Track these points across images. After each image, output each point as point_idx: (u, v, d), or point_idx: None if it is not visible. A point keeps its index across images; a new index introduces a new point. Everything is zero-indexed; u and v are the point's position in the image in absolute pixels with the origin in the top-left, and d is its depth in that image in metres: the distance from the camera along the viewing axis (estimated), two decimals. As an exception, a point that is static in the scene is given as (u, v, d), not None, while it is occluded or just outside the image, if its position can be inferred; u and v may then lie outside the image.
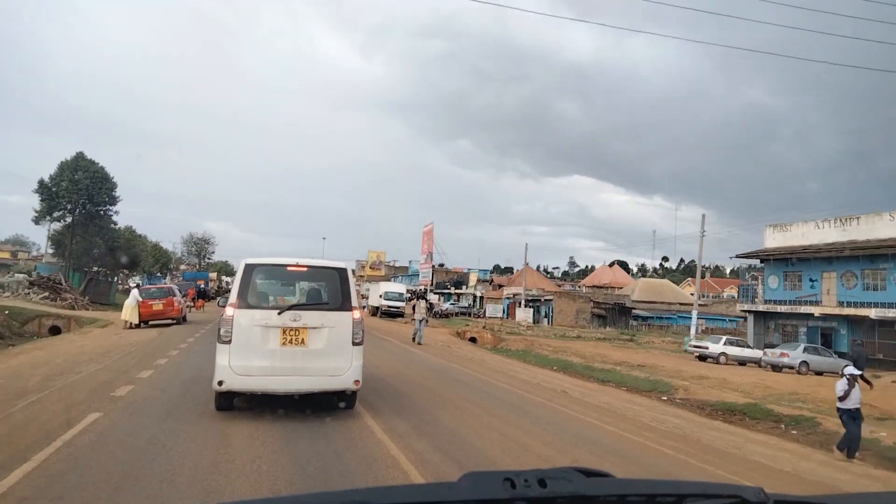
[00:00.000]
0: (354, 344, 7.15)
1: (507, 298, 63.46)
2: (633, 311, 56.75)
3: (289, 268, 7.48)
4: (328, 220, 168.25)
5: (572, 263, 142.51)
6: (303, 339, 6.92)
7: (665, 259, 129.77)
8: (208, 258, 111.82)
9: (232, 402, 7.27)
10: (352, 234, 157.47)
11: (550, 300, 53.90)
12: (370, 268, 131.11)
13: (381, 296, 43.10)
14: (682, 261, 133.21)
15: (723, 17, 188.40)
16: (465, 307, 62.99)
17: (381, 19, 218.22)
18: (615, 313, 55.12)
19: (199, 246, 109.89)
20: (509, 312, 63.18)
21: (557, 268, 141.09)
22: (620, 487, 1.37)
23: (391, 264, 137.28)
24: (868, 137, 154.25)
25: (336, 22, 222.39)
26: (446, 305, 60.49)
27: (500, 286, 71.53)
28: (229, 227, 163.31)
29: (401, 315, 43.06)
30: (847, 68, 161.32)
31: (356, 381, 7.12)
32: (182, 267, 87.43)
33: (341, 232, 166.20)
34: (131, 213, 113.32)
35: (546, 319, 53.66)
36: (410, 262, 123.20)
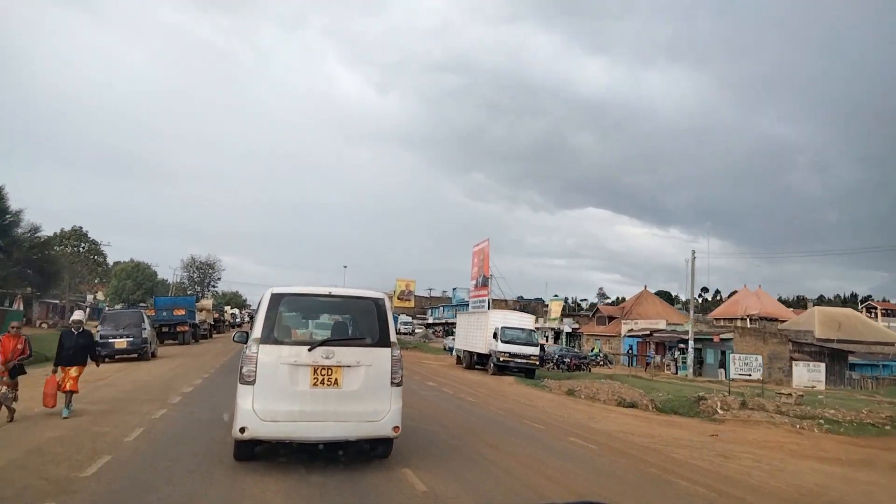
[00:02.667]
0: (393, 385, 6.27)
1: (632, 337, 43.74)
2: (850, 356, 36.55)
3: (320, 298, 6.71)
4: (345, 253, 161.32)
5: (602, 295, 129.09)
6: (336, 380, 6.05)
7: (705, 290, 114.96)
8: (214, 285, 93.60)
9: (253, 451, 6.25)
10: (369, 265, 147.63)
11: (729, 340, 33.98)
12: (398, 298, 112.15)
13: (494, 335, 23.70)
14: (717, 292, 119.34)
15: (735, 48, 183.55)
16: (572, 353, 43.01)
17: (396, 56, 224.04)
18: (826, 360, 35.00)
19: (203, 271, 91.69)
20: (638, 358, 43.23)
21: (585, 300, 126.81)
22: None
23: (428, 294, 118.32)
24: (889, 164, 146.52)
25: (352, 58, 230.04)
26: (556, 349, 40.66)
27: (611, 318, 51.52)
28: (244, 259, 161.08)
29: (531, 371, 23.51)
30: (865, 93, 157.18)
31: (395, 428, 6.22)
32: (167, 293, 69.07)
33: (360, 263, 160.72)
34: (147, 247, 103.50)
35: (722, 370, 33.71)
36: (455, 289, 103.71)
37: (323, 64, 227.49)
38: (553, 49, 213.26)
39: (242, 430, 5.79)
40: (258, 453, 6.33)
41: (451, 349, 50.19)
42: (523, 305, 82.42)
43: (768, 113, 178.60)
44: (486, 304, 77.66)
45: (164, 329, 29.91)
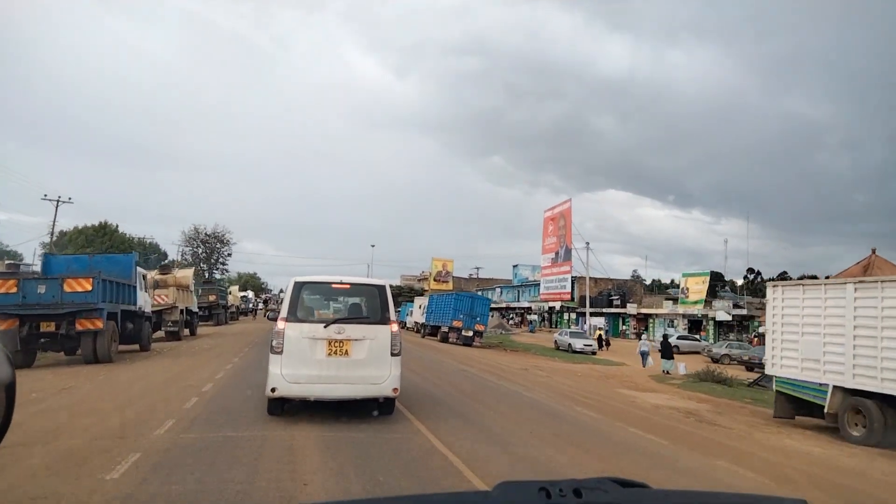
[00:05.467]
0: (393, 355, 7.41)
1: None
2: None
3: (333, 285, 7.98)
4: (364, 237, 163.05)
5: (637, 278, 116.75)
6: (346, 350, 7.27)
7: (750, 271, 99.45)
8: (224, 262, 76.89)
9: (283, 408, 7.52)
10: (390, 250, 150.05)
11: None
12: (434, 280, 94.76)
13: None
14: (758, 273, 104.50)
15: (761, 26, 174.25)
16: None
17: (414, 39, 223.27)
18: None
19: (210, 245, 74.99)
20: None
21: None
22: (657, 499, 1.39)
23: (476, 274, 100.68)
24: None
25: (370, 43, 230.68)
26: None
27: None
28: (267, 247, 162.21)
29: None
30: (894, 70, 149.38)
31: (394, 389, 7.41)
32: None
33: (382, 247, 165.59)
34: (167, 235, 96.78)
35: None
36: (516, 266, 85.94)
37: (341, 49, 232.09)
38: (574, 29, 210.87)
39: (273, 390, 7.07)
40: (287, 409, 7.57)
41: (580, 350, 32.71)
42: (617, 285, 64.49)
43: (794, 92, 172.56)
44: (568, 284, 59.33)
45: (47, 331, 12.57)
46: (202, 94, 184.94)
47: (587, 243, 52.20)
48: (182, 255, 76.03)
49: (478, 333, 31.33)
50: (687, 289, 43.15)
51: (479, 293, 67.53)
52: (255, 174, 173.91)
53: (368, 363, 7.23)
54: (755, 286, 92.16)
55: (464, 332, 30.94)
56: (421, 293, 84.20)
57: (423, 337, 36.04)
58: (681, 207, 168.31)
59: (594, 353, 31.75)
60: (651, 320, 48.47)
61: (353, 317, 7.58)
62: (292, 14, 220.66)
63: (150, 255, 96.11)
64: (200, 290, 31.75)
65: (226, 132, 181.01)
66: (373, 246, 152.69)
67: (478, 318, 31.46)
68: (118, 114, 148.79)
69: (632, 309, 49.88)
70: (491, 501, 1.23)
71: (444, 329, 31.92)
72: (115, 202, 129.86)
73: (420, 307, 39.51)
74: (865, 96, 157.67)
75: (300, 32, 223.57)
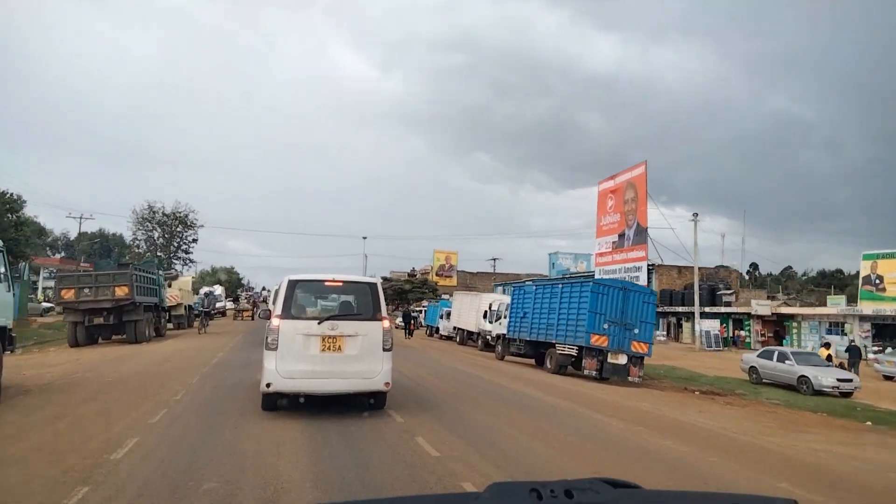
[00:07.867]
0: (384, 350, 7.68)
1: None
2: None
3: (326, 283, 8.23)
4: (352, 234, 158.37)
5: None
6: (339, 346, 7.52)
7: (754, 266, 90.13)
8: (187, 251, 60.79)
9: (276, 403, 7.87)
10: (379, 245, 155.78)
11: None
12: (437, 274, 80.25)
13: None
14: (757, 266, 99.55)
15: (749, 24, 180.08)
16: None
17: (400, 35, 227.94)
18: None
19: (168, 228, 58.91)
20: None
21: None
22: (649, 499, 1.38)
23: (492, 268, 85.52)
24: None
25: (355, 39, 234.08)
26: None
27: None
28: (251, 245, 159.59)
29: None
30: (879, 69, 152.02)
31: (386, 384, 7.71)
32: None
33: (369, 243, 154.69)
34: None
35: None
36: (554, 254, 70.85)
37: (327, 45, 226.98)
38: (560, 26, 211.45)
39: (268, 385, 7.31)
40: (281, 405, 7.97)
41: (827, 389, 17.28)
42: (709, 274, 49.84)
43: (780, 90, 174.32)
44: (644, 274, 44.19)
45: None
46: (187, 92, 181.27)
47: (695, 214, 37.18)
48: (135, 241, 60.18)
49: (636, 360, 16.26)
50: (879, 277, 28.44)
51: (499, 287, 46.11)
52: (238, 170, 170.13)
53: (361, 358, 7.51)
54: (758, 281, 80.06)
55: (610, 359, 15.89)
56: (434, 289, 69.56)
57: (503, 359, 20.96)
58: (665, 204, 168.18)
59: (849, 395, 16.89)
60: (793, 323, 33.77)
61: (346, 313, 7.87)
62: (278, 11, 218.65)
63: (113, 247, 79.43)
64: (61, 280, 16.12)
65: (210, 129, 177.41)
66: (364, 238, 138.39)
67: (636, 331, 16.36)
68: (102, 111, 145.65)
69: (761, 308, 35.10)
70: (482, 503, 1.21)
71: (564, 350, 16.88)
72: (95, 199, 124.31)
73: (492, 306, 24.34)
74: (850, 95, 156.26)
75: (286, 29, 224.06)
